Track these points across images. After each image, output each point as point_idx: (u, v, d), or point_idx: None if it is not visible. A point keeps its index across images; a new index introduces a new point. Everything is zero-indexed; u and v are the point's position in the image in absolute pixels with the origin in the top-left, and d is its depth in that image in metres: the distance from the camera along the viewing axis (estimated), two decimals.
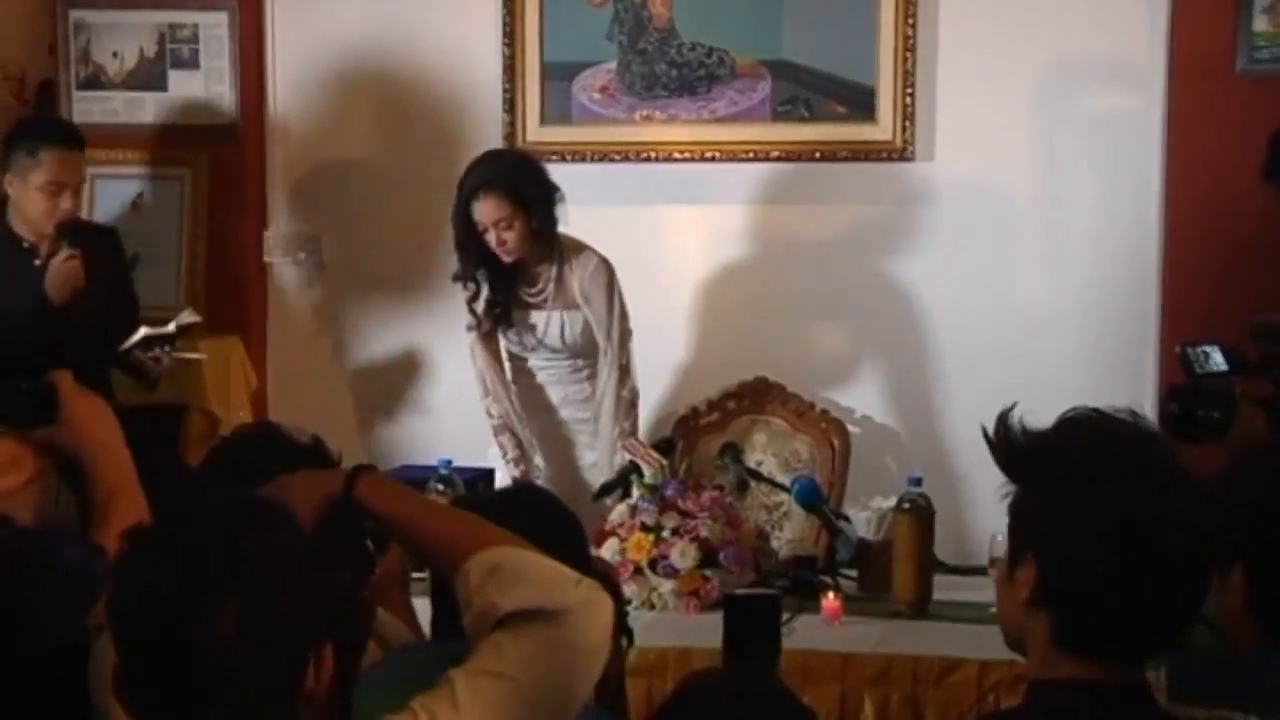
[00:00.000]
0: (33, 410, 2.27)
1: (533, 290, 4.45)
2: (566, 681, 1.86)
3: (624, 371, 4.47)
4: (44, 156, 4.35)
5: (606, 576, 2.60)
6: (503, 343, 4.55)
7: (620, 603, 2.63)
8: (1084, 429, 1.88)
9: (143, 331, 4.38)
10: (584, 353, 4.51)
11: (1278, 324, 3.34)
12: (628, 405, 4.48)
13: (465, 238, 4.38)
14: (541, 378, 4.58)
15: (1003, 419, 1.90)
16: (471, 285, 4.45)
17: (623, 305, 4.48)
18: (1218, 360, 3.29)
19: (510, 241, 4.33)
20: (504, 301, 4.45)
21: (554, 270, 4.42)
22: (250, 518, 1.76)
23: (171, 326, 4.41)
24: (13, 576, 2.08)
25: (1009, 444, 1.90)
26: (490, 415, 4.55)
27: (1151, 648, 1.88)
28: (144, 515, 2.28)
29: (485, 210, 4.32)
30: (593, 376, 4.52)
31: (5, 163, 4.42)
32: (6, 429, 2.27)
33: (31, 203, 4.38)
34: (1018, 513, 1.89)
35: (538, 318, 4.46)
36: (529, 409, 4.58)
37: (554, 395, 4.59)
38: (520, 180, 4.35)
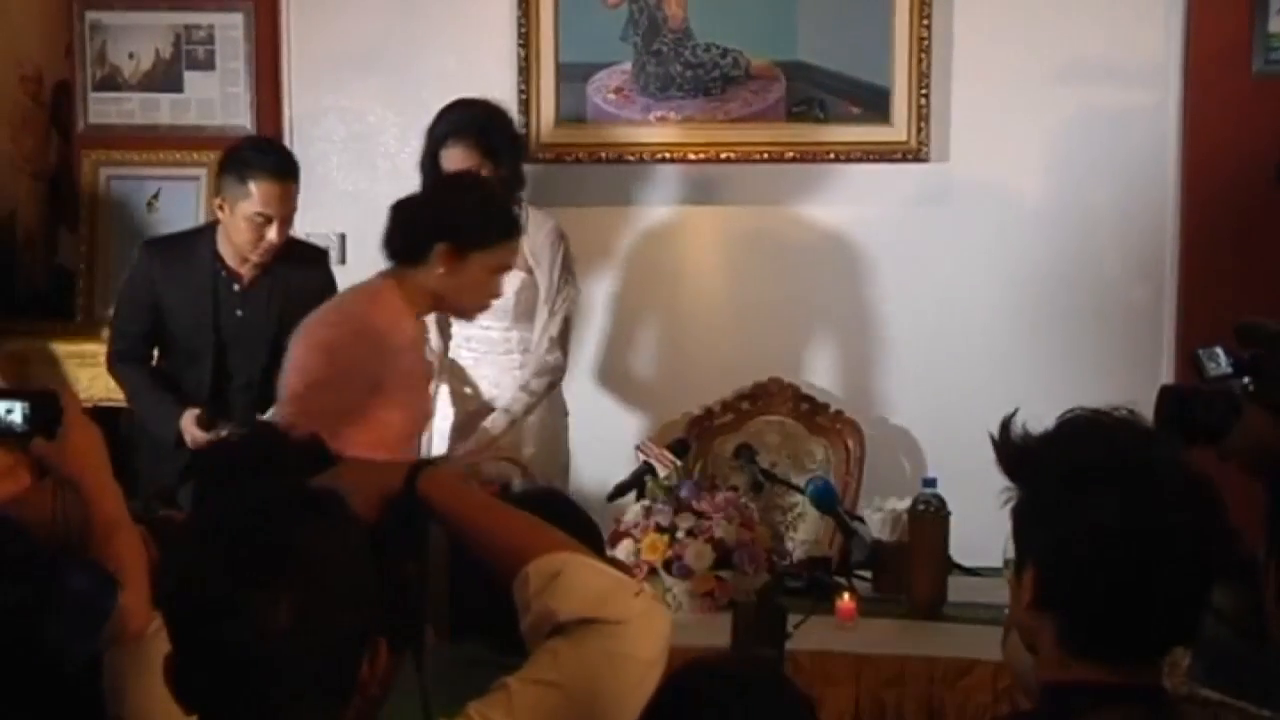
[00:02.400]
0: (37, 421, 2.25)
1: None
2: (620, 692, 1.84)
3: (552, 342, 4.45)
4: (253, 187, 4.21)
5: None
6: None
7: None
8: (1078, 431, 1.88)
9: None
10: (516, 318, 4.49)
11: (1261, 327, 3.33)
12: (550, 367, 4.45)
13: None
14: (473, 353, 4.58)
15: (1005, 424, 1.90)
16: None
17: (571, 275, 4.48)
18: (1223, 362, 3.29)
19: None
20: None
21: None
22: (305, 510, 1.73)
23: None
24: (22, 604, 2.08)
25: (1009, 448, 1.89)
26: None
27: (1158, 648, 1.86)
28: (141, 548, 2.28)
29: (453, 158, 4.35)
30: (524, 354, 4.51)
31: (217, 184, 4.33)
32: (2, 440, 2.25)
33: (238, 230, 4.27)
34: (1018, 517, 1.89)
35: None
36: (458, 399, 4.60)
37: (483, 375, 4.57)
38: (489, 130, 4.39)
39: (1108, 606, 1.81)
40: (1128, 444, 1.86)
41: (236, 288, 4.38)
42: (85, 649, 2.15)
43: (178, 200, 5.13)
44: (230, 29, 5.17)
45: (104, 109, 5.21)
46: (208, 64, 5.19)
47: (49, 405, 2.25)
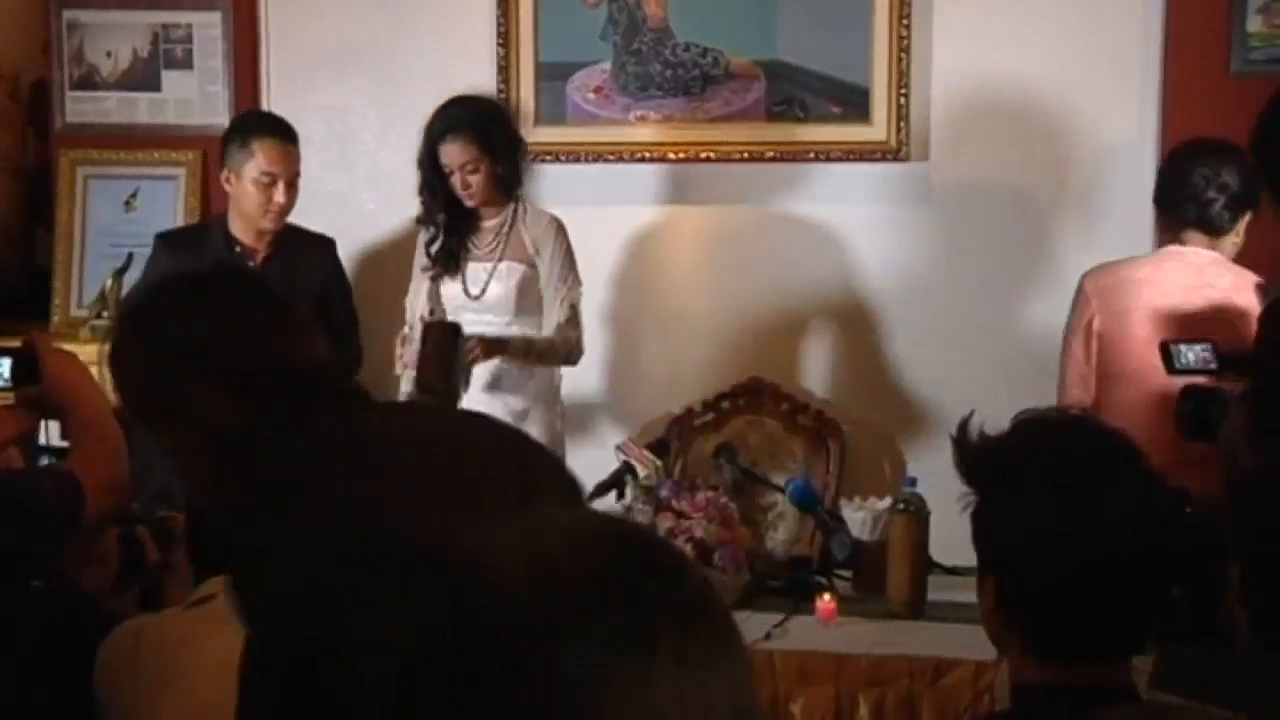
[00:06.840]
0: (19, 373, 2.35)
1: (480, 243, 4.52)
2: None
3: (560, 328, 4.49)
4: (256, 148, 4.40)
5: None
6: (443, 293, 4.58)
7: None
8: (1027, 434, 1.86)
9: None
10: (517, 312, 4.51)
11: None
12: (563, 339, 4.49)
13: (431, 180, 4.47)
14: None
15: (962, 426, 1.89)
16: (432, 228, 4.54)
17: (573, 266, 4.51)
18: (1195, 359, 3.33)
19: (475, 185, 4.43)
20: (456, 247, 4.52)
21: (506, 221, 4.49)
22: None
23: None
24: None
25: (964, 451, 1.89)
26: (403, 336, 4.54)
27: (1122, 649, 1.85)
28: (119, 442, 2.36)
29: (452, 153, 4.41)
30: None
31: (223, 160, 4.48)
32: None
33: (247, 197, 4.42)
34: (975, 521, 1.87)
35: (480, 269, 4.51)
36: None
37: (486, 366, 4.56)
38: (487, 125, 4.45)
39: (1065, 613, 1.79)
40: (1076, 445, 1.84)
41: (251, 265, 4.44)
42: (59, 549, 2.22)
43: (156, 200, 5.11)
44: (209, 28, 5.16)
45: (82, 108, 5.19)
46: (186, 63, 5.17)
47: (29, 357, 2.36)
